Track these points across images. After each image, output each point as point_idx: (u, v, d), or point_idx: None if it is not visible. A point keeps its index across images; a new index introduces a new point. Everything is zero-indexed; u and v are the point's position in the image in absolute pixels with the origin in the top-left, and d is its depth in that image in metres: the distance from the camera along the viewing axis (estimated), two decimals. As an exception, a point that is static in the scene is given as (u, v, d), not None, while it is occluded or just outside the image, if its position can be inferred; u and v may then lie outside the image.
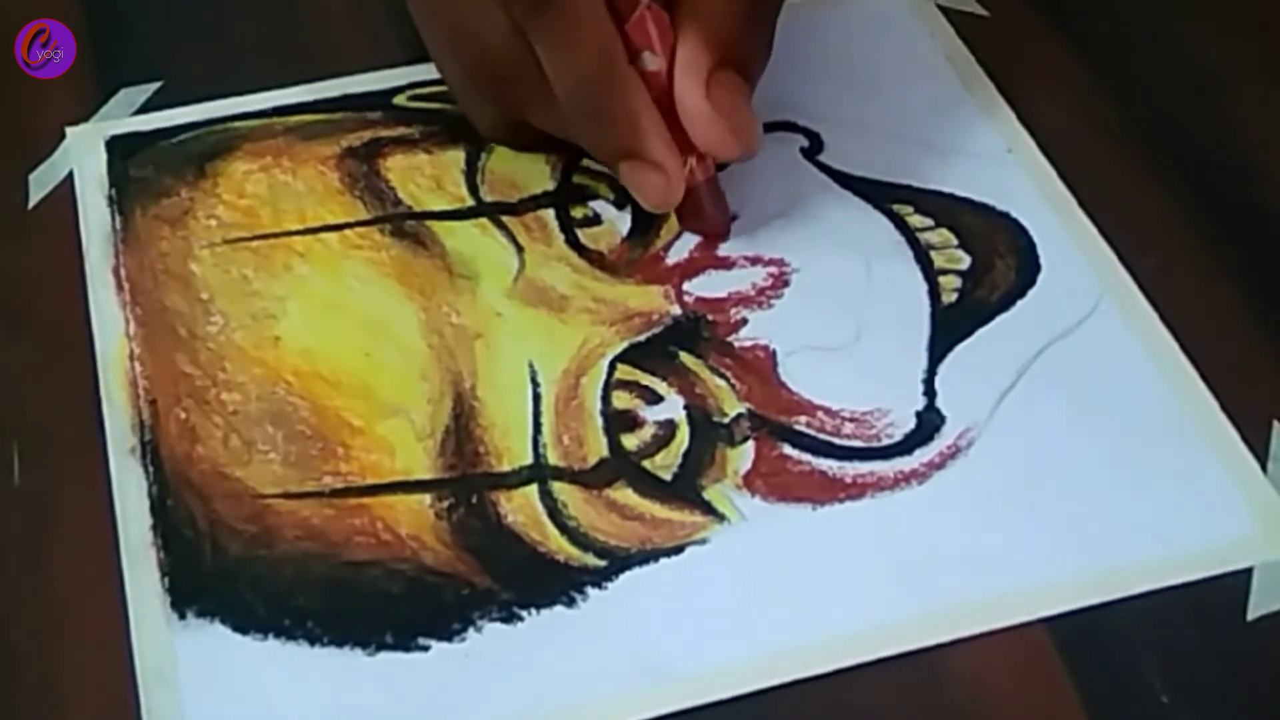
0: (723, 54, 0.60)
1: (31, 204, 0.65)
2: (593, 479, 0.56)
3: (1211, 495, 0.55)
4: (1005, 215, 0.64)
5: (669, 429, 0.57)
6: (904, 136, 0.66)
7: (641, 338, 0.60)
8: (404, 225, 0.64)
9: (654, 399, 0.58)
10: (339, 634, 0.52)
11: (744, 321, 0.60)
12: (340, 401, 0.58)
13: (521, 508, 0.55)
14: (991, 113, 0.67)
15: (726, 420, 0.57)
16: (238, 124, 0.68)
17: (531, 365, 0.59)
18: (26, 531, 0.55)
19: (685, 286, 0.62)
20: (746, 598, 0.53)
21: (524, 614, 0.53)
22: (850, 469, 0.56)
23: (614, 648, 0.52)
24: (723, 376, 0.59)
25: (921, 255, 0.62)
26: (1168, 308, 0.60)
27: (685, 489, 0.56)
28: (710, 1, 0.60)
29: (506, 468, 0.56)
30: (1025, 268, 0.62)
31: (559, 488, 0.56)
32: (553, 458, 0.56)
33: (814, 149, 0.66)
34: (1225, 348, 0.59)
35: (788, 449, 0.57)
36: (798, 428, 0.57)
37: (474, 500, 0.55)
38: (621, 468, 0.56)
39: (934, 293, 0.61)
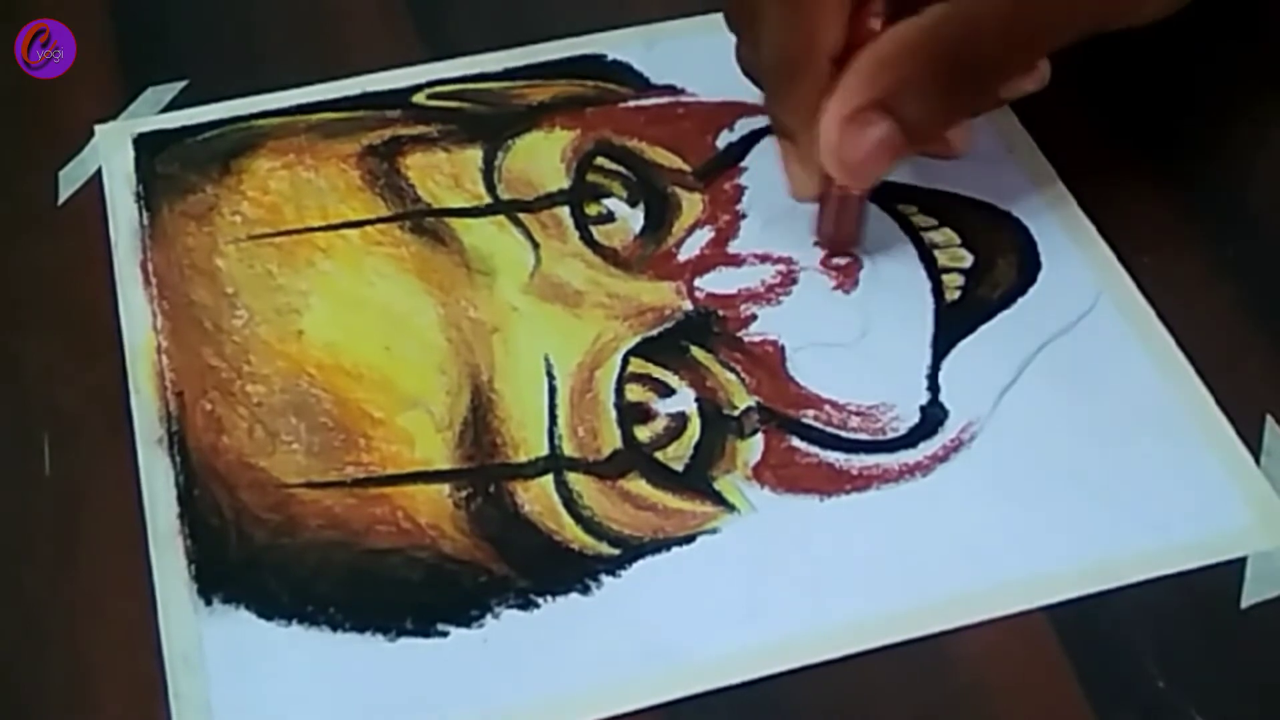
0: (883, 94, 0.57)
1: (61, 200, 0.66)
2: (607, 470, 0.57)
3: (1206, 487, 0.56)
4: (1006, 215, 0.64)
5: (680, 421, 0.58)
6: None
7: (654, 332, 0.61)
8: (423, 222, 0.64)
9: (666, 392, 0.59)
10: (360, 620, 0.53)
11: (753, 317, 0.61)
12: (361, 394, 0.59)
13: (538, 497, 0.56)
14: (992, 114, 0.67)
15: (736, 413, 0.58)
16: (261, 122, 0.68)
17: (547, 359, 0.60)
18: (57, 520, 0.56)
19: (696, 283, 0.62)
20: (755, 585, 0.54)
21: (540, 601, 0.54)
22: (856, 461, 0.57)
23: (627, 634, 0.53)
24: (733, 370, 0.60)
25: (925, 254, 0.63)
26: (1164, 305, 0.61)
27: (696, 480, 0.57)
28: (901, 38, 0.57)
29: (523, 458, 0.57)
30: (1026, 266, 0.63)
31: (574, 478, 0.57)
32: (568, 449, 0.57)
33: (821, 150, 0.67)
34: (1220, 344, 0.60)
35: (796, 441, 0.58)
36: (805, 421, 0.58)
37: (491, 490, 0.56)
38: (635, 459, 0.57)
39: (937, 290, 0.62)
